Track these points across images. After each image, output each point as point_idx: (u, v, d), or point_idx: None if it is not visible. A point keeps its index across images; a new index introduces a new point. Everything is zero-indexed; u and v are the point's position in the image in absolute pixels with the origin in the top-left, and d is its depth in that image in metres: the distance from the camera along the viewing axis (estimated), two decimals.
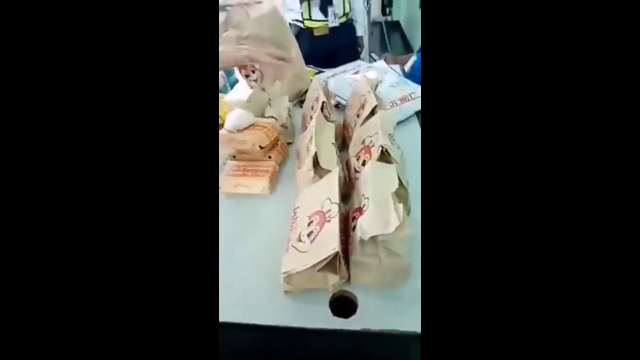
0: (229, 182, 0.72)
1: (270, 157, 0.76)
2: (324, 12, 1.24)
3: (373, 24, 1.62)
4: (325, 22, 1.26)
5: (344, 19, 1.30)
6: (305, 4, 1.20)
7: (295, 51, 1.12)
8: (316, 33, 1.27)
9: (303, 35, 1.28)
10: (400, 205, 0.44)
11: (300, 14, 1.23)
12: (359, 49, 1.46)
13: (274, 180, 0.74)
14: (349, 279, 0.50)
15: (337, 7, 1.25)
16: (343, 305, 0.49)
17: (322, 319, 0.47)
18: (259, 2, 1.08)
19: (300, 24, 1.26)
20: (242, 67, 1.10)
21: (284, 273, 0.47)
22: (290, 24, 1.29)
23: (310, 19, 1.25)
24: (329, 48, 1.28)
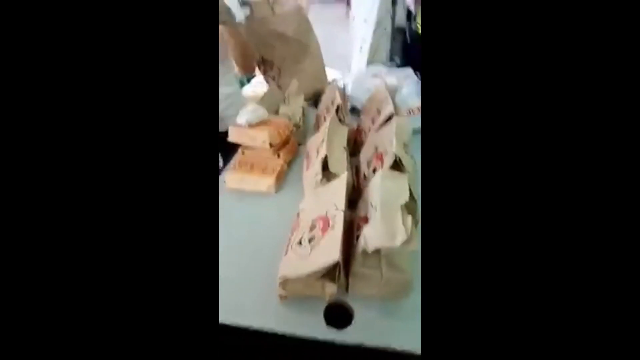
0: (234, 176, 0.71)
1: (279, 155, 0.74)
2: None
3: (397, 30, 1.60)
4: None
5: None
6: None
7: (316, 51, 1.11)
8: None
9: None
10: (409, 218, 0.42)
11: None
12: None
13: (281, 179, 0.72)
14: (347, 289, 0.48)
15: None
16: (338, 314, 0.47)
17: (315, 327, 0.45)
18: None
19: None
20: (261, 63, 1.10)
21: (280, 277, 0.45)
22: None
23: None
24: None
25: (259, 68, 1.14)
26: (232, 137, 0.73)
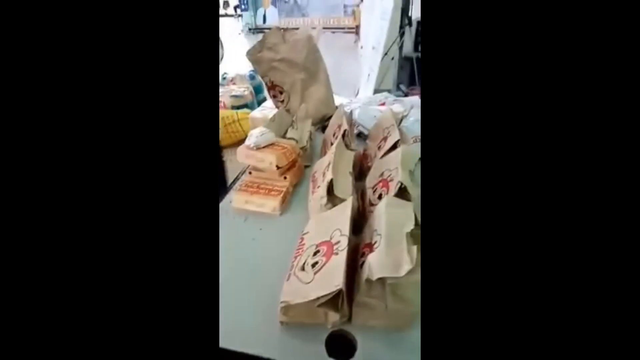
0: (240, 197, 0.71)
1: (285, 177, 0.75)
2: None
3: (404, 59, 1.65)
4: None
5: None
6: None
7: (325, 78, 1.14)
8: None
9: None
10: (415, 248, 0.41)
11: None
12: None
13: (286, 201, 0.73)
14: (349, 319, 0.47)
15: None
16: (340, 345, 0.45)
17: (316, 357, 0.43)
18: (296, 29, 1.12)
19: None
20: (271, 87, 1.13)
21: (281, 302, 0.45)
22: None
23: None
24: None
25: (269, 92, 1.18)
26: (240, 158, 0.75)
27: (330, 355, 0.44)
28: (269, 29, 1.13)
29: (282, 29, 1.12)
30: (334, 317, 0.44)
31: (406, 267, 0.39)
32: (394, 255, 0.41)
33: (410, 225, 0.45)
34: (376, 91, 1.47)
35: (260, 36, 1.10)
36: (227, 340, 0.44)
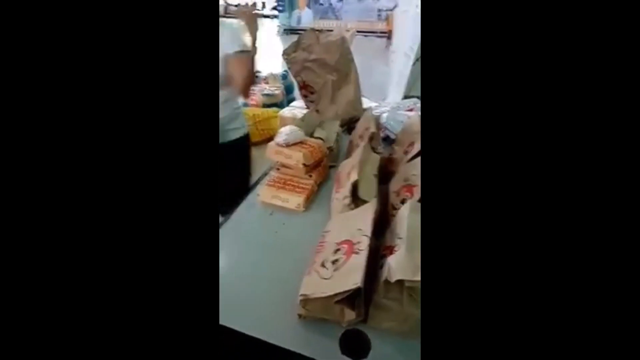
0: (268, 192, 0.74)
1: (311, 175, 0.77)
2: None
3: None
4: None
5: None
6: None
7: (355, 80, 1.15)
8: None
9: None
10: None
11: None
12: None
13: (310, 198, 0.74)
14: (365, 320, 0.47)
15: None
16: (354, 344, 0.46)
17: (329, 353, 0.44)
18: (331, 31, 1.13)
19: None
20: (302, 87, 1.15)
21: (300, 296, 0.46)
22: None
23: None
24: None
25: (300, 92, 1.20)
26: (269, 154, 0.77)
27: (343, 352, 0.44)
28: (304, 30, 1.15)
29: (317, 30, 1.14)
30: (350, 315, 0.45)
31: None
32: (414, 259, 0.41)
33: None
34: (405, 97, 1.45)
35: (294, 37, 1.13)
36: (244, 324, 0.46)
